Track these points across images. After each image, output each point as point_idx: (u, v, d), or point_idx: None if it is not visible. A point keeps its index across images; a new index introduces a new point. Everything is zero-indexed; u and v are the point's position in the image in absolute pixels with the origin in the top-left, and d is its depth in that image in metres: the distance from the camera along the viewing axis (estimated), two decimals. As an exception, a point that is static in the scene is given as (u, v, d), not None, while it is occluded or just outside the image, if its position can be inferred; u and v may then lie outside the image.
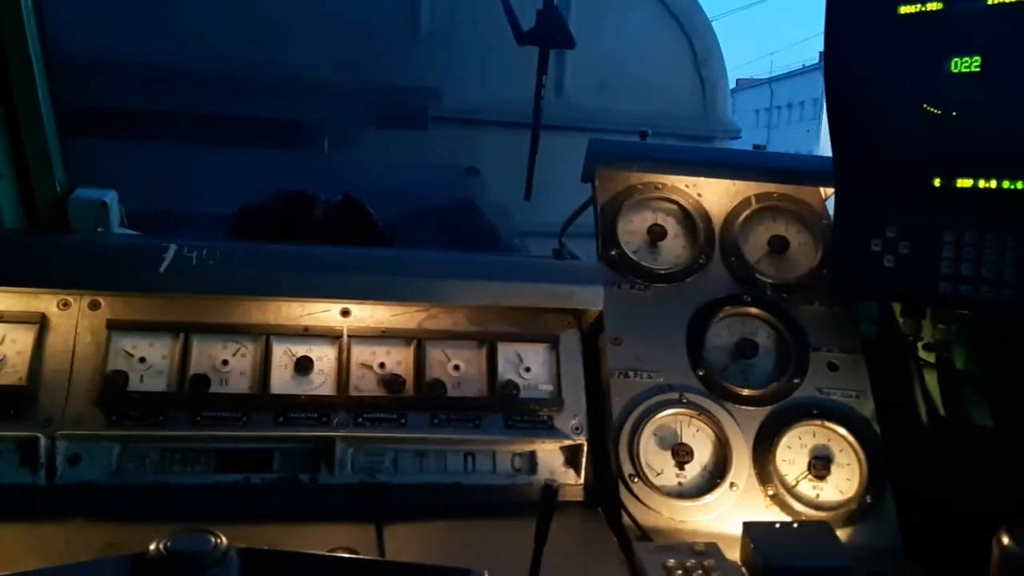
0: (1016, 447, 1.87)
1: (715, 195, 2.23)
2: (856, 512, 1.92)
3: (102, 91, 3.68)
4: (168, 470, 1.85)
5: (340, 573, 1.30)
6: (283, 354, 1.94)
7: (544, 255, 2.31)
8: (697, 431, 1.98)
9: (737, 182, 2.24)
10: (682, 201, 2.21)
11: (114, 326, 1.91)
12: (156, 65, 3.92)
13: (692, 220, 2.19)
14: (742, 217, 2.20)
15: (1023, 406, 1.88)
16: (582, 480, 1.97)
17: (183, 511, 1.73)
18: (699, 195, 2.22)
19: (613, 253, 2.14)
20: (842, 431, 1.98)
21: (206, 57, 4.07)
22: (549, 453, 1.99)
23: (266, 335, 1.94)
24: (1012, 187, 1.73)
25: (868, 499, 1.93)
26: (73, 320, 1.91)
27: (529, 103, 3.54)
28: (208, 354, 1.92)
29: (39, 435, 1.78)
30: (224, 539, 1.28)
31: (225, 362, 1.92)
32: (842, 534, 1.84)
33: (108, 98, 3.75)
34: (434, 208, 3.54)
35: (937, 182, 1.84)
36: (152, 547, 1.26)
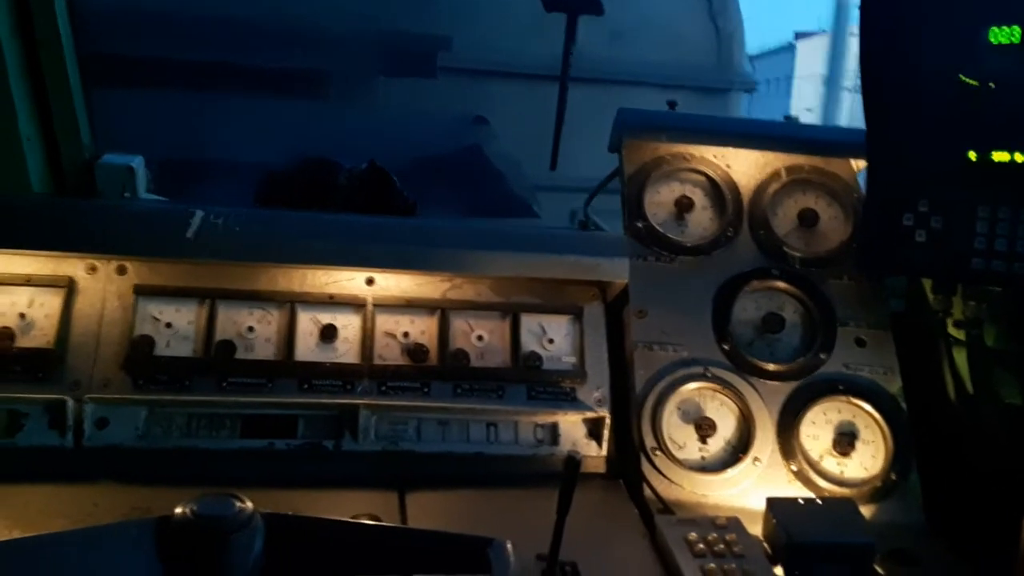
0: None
1: (744, 166, 2.20)
2: (880, 489, 1.90)
3: (118, 41, 3.67)
4: (194, 435, 1.87)
5: (363, 539, 1.31)
6: (308, 321, 1.95)
7: (560, 213, 2.29)
8: (721, 405, 1.97)
9: (767, 153, 2.20)
10: (710, 172, 2.18)
11: (141, 291, 1.92)
12: (170, 13, 3.92)
13: (720, 192, 2.16)
14: (771, 189, 2.17)
15: (1055, 385, 1.86)
16: (604, 452, 1.97)
17: (209, 475, 1.74)
18: (728, 166, 2.19)
19: (639, 225, 2.12)
20: (868, 407, 1.96)
21: (218, 5, 4.05)
22: (571, 425, 1.99)
23: (291, 302, 1.95)
24: (1050, 162, 1.69)
25: (893, 476, 1.91)
26: (101, 285, 1.92)
27: (541, 54, 3.49)
28: (234, 320, 1.93)
29: (67, 398, 1.80)
30: (249, 504, 1.29)
31: (251, 328, 1.93)
32: (866, 511, 1.83)
33: (124, 48, 3.75)
34: (440, 155, 3.51)
35: (972, 155, 1.80)
36: (178, 511, 1.27)
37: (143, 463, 1.81)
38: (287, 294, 1.95)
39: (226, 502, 1.29)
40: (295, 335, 1.92)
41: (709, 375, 1.97)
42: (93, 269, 1.92)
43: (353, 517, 1.62)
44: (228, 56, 4.11)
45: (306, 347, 1.93)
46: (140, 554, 1.28)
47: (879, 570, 1.67)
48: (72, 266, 1.91)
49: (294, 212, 2.09)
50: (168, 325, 1.91)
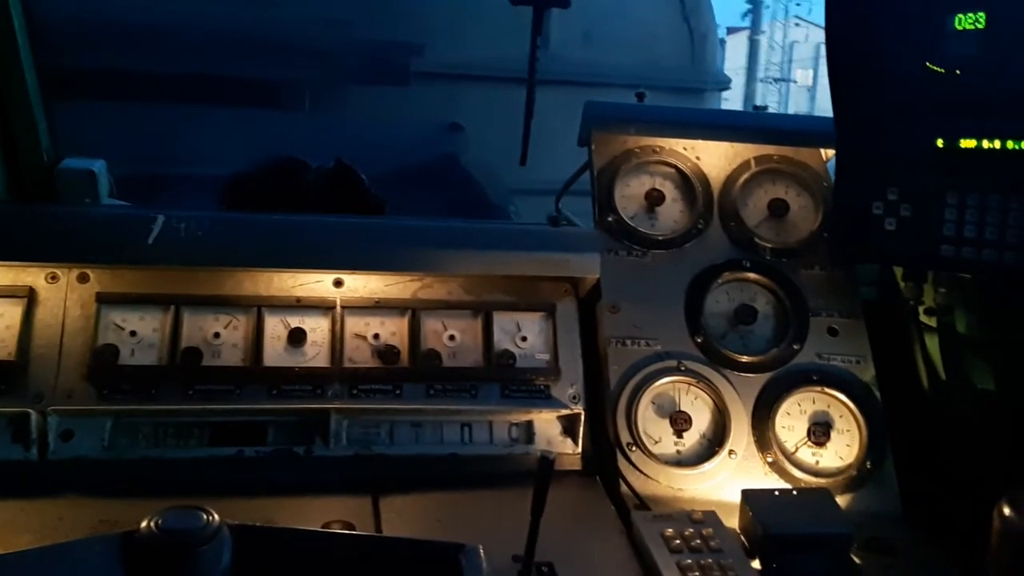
0: (1018, 412, 1.85)
1: (714, 158, 2.19)
2: (856, 478, 1.90)
3: (83, 53, 3.62)
4: (161, 444, 1.84)
5: (333, 548, 1.29)
6: (276, 326, 1.92)
7: (537, 216, 2.27)
8: (695, 399, 1.96)
9: (736, 144, 2.20)
10: (680, 165, 2.17)
11: (103, 299, 1.88)
12: (138, 25, 3.86)
13: (690, 184, 2.15)
14: (741, 180, 2.16)
15: (1025, 371, 1.86)
16: (580, 449, 1.96)
17: (177, 485, 1.70)
18: (698, 158, 2.18)
19: (610, 219, 2.11)
20: (842, 397, 1.96)
21: (187, 16, 4.00)
22: (546, 422, 1.97)
23: (258, 307, 1.92)
24: (1017, 147, 1.69)
25: (868, 465, 1.91)
26: (62, 293, 1.88)
27: (514, 57, 3.45)
28: (199, 327, 1.90)
29: (30, 411, 1.77)
30: (216, 516, 1.27)
31: (217, 335, 1.89)
32: (842, 501, 1.83)
33: (89, 60, 3.69)
34: (417, 165, 3.49)
35: (940, 143, 1.80)
36: (143, 525, 1.24)
37: (110, 475, 1.78)
38: (253, 298, 1.92)
39: (192, 515, 1.26)
40: (263, 340, 1.89)
41: (683, 369, 1.96)
42: (54, 277, 1.88)
43: (326, 524, 1.60)
44: (198, 67, 4.06)
45: (274, 352, 1.90)
46: (106, 571, 1.25)
47: (856, 559, 1.67)
48: (32, 275, 1.87)
49: (258, 215, 2.05)
50: (132, 333, 1.87)
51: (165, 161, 3.36)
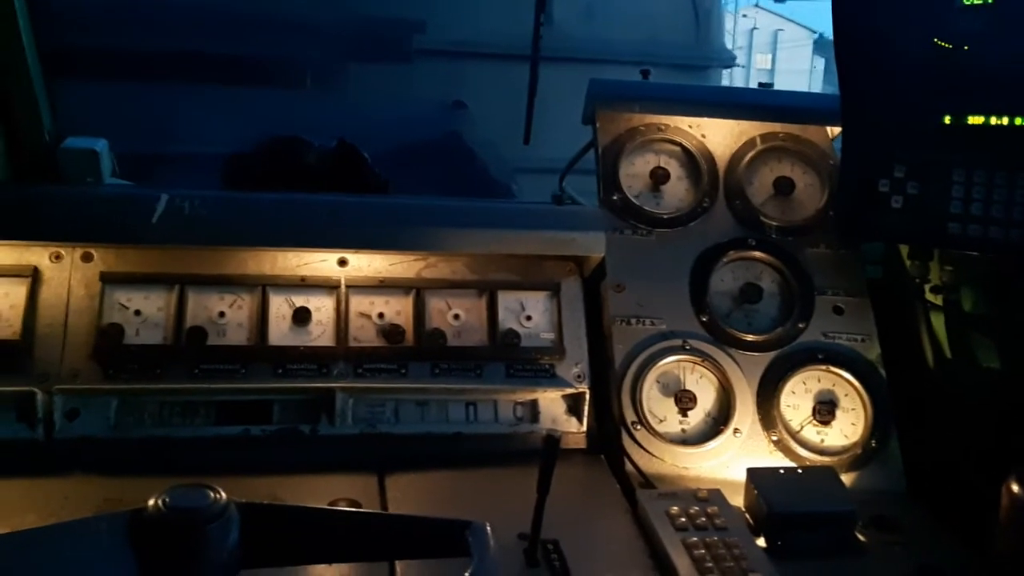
0: (1022, 390, 1.84)
1: (719, 136, 2.17)
2: (861, 457, 1.90)
3: (84, 32, 3.59)
4: (167, 423, 1.84)
5: (339, 526, 1.29)
6: (280, 305, 1.91)
7: (539, 195, 2.26)
8: (700, 377, 1.96)
9: (742, 122, 2.18)
10: (685, 143, 2.15)
11: (108, 279, 1.88)
12: (139, 3, 3.83)
13: (696, 162, 2.14)
14: (747, 158, 2.15)
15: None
16: (584, 428, 1.96)
17: (183, 464, 1.72)
18: (703, 136, 2.17)
19: (615, 198, 2.10)
20: (847, 375, 1.96)
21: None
22: (551, 401, 1.97)
23: (262, 286, 1.91)
24: (1025, 124, 1.68)
25: (873, 444, 1.91)
26: (66, 273, 1.88)
27: (517, 34, 3.42)
28: (204, 306, 1.89)
29: (36, 390, 1.77)
30: (223, 494, 1.26)
31: (222, 314, 1.89)
32: (846, 479, 1.83)
33: (90, 39, 3.67)
34: (420, 143, 3.47)
35: (947, 119, 1.79)
36: (150, 503, 1.24)
37: (115, 454, 1.78)
38: (258, 277, 1.92)
39: (199, 493, 1.26)
40: (267, 319, 1.89)
41: (688, 347, 1.96)
42: (58, 257, 1.88)
43: (332, 502, 1.60)
44: (198, 45, 4.03)
45: (279, 331, 1.90)
46: (113, 549, 1.25)
47: (860, 537, 1.68)
48: (36, 255, 1.87)
49: (262, 194, 2.05)
50: (137, 312, 1.87)
51: (166, 140, 3.35)
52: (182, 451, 1.81)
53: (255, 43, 4.08)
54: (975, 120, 1.76)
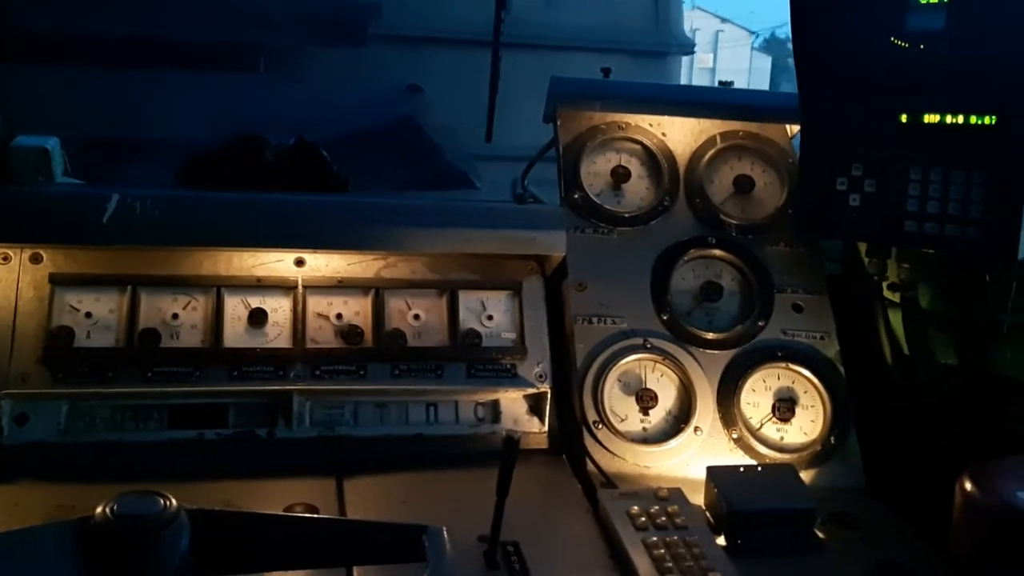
0: (979, 387, 1.86)
1: (680, 134, 2.18)
2: (820, 454, 1.91)
3: (30, 16, 3.51)
4: (119, 428, 1.80)
5: (294, 532, 1.27)
6: (236, 306, 1.88)
7: (499, 183, 2.24)
8: (662, 376, 1.96)
9: (702, 120, 2.18)
10: (646, 141, 2.15)
11: (57, 280, 1.83)
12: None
13: (656, 161, 2.14)
14: (707, 157, 2.15)
15: (987, 345, 1.88)
16: (546, 428, 1.95)
17: (136, 469, 1.68)
18: (663, 134, 2.17)
19: (576, 196, 2.09)
20: (806, 373, 1.97)
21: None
22: (512, 401, 1.96)
23: (217, 287, 1.88)
24: (979, 122, 1.70)
25: (832, 440, 1.92)
26: (14, 274, 1.83)
27: (475, 19, 3.39)
28: (157, 307, 1.86)
29: (-18, 395, 1.72)
30: (174, 500, 1.23)
31: (175, 316, 1.85)
32: (806, 476, 1.84)
33: (39, 21, 3.58)
34: (375, 127, 3.42)
35: (904, 118, 1.80)
36: (98, 511, 1.21)
37: (66, 459, 1.74)
38: (213, 278, 1.88)
39: (149, 500, 1.23)
40: (223, 321, 1.86)
41: (649, 346, 1.96)
42: (5, 258, 1.83)
43: (288, 507, 1.58)
44: (150, 29, 3.94)
45: (234, 333, 1.86)
46: (59, 559, 1.21)
47: (820, 534, 1.68)
48: (-17, 256, 1.82)
49: (216, 193, 2.01)
50: (88, 315, 1.83)
51: (116, 127, 3.26)
52: (134, 456, 1.77)
53: (207, 27, 4.00)
54: (931, 119, 1.77)
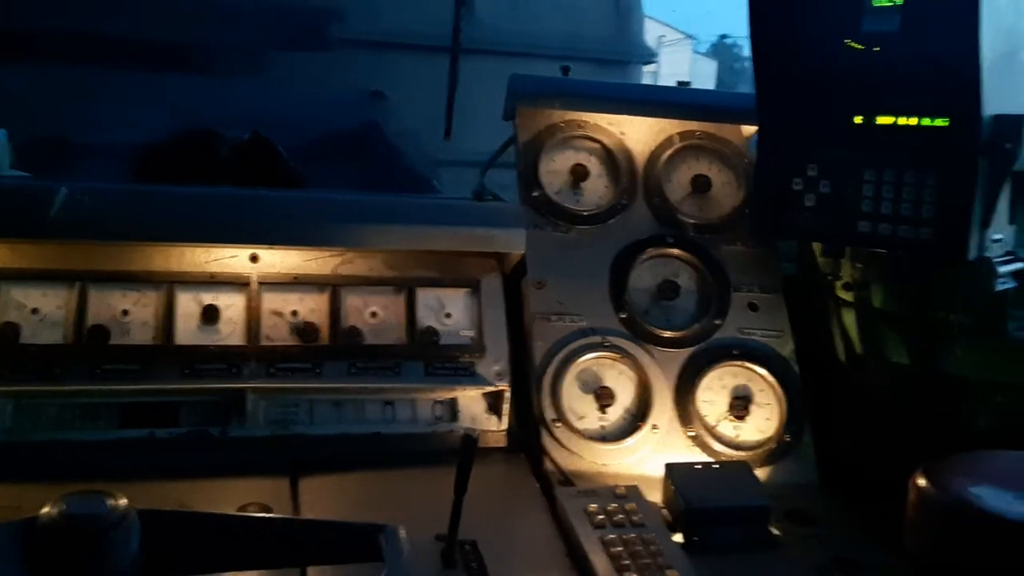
0: (931, 385, 1.90)
1: (638, 133, 2.18)
2: (775, 451, 1.93)
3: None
4: (67, 427, 1.75)
5: (247, 533, 1.25)
6: (188, 303, 1.84)
7: (461, 188, 2.24)
8: (620, 374, 1.96)
9: (660, 120, 2.19)
10: (605, 140, 2.16)
11: (3, 275, 1.78)
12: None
13: (615, 160, 2.14)
14: (665, 156, 2.16)
15: (938, 345, 1.91)
16: (504, 426, 1.94)
17: (84, 469, 1.63)
18: (622, 133, 2.17)
19: (535, 195, 2.09)
20: (762, 371, 1.98)
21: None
22: (471, 400, 1.95)
23: (169, 283, 1.84)
24: (931, 124, 1.72)
25: (787, 438, 1.94)
26: None
27: (439, 25, 3.38)
28: (107, 304, 1.81)
29: (-77, 394, 1.67)
30: (123, 500, 1.21)
31: (125, 312, 1.81)
32: (761, 473, 1.86)
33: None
34: (338, 132, 3.40)
35: (858, 119, 1.82)
36: (44, 511, 1.18)
37: (12, 459, 1.68)
38: (164, 274, 1.85)
39: (97, 499, 1.20)
40: (174, 317, 1.82)
41: (607, 344, 1.96)
42: (-52, 253, 1.78)
43: (242, 507, 1.55)
44: (104, 27, 3.87)
45: (187, 330, 1.83)
46: (6, 560, 1.18)
47: (775, 531, 1.70)
48: (-76, 250, 1.76)
49: (168, 187, 1.97)
50: (34, 311, 1.78)
51: (69, 127, 3.20)
52: (83, 456, 1.72)
53: (169, 27, 3.94)
54: (885, 120, 1.79)
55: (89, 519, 1.17)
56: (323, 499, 1.66)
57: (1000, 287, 1.73)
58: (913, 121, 1.74)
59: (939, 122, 1.71)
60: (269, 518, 1.44)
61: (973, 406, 1.86)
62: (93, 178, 2.22)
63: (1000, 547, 1.36)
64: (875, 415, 1.99)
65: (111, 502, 1.19)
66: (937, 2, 1.68)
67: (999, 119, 1.65)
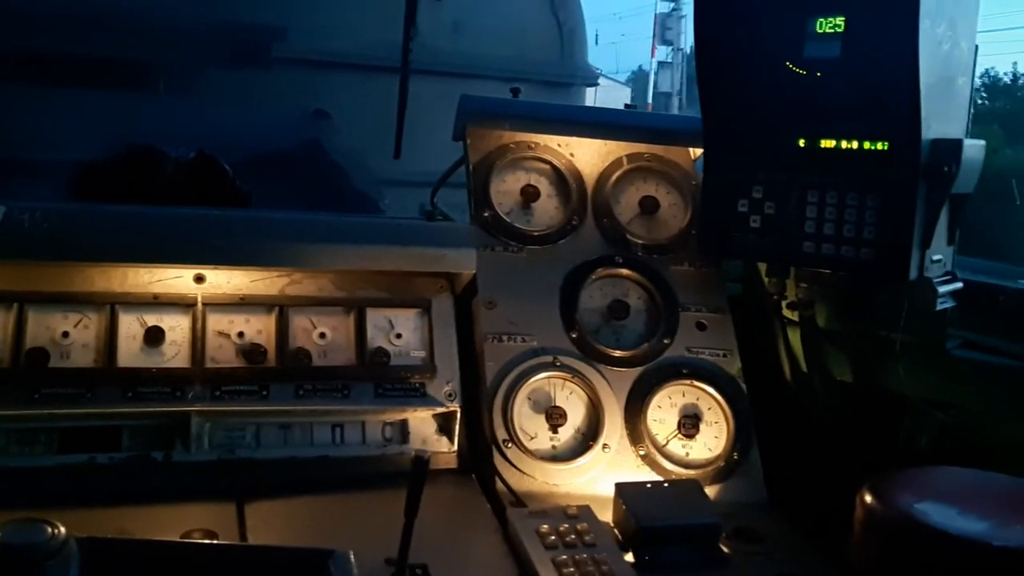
0: (874, 403, 1.93)
1: (587, 155, 2.20)
2: (724, 469, 1.95)
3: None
4: (3, 452, 1.70)
5: (191, 560, 1.21)
6: (131, 324, 1.80)
7: (408, 208, 2.23)
8: (571, 394, 1.96)
9: (609, 142, 2.22)
10: (555, 161, 2.17)
11: None
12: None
13: (565, 181, 2.16)
14: (614, 178, 2.18)
15: (880, 363, 1.95)
16: (456, 447, 1.93)
17: (21, 497, 1.57)
18: (572, 155, 2.19)
19: (486, 215, 2.09)
20: (710, 390, 2.00)
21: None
22: (421, 421, 1.93)
23: (111, 304, 1.80)
24: (873, 147, 1.77)
25: (735, 456, 1.96)
26: None
27: (382, 44, 3.38)
28: (46, 325, 1.77)
29: None
30: (62, 529, 1.17)
31: (66, 334, 1.77)
32: (711, 491, 1.87)
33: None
34: (279, 151, 3.37)
35: (802, 142, 1.87)
36: (-22, 541, 1.14)
37: (-56, 487, 1.63)
38: (106, 295, 1.80)
39: (34, 528, 1.16)
40: (116, 339, 1.78)
41: (558, 364, 1.96)
42: None
43: (186, 533, 1.52)
44: (41, 44, 3.78)
45: (129, 352, 1.79)
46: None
47: (724, 549, 1.71)
48: None
49: (110, 206, 1.93)
50: (-31, 333, 1.72)
51: (12, 145, 3.11)
52: (20, 482, 1.67)
53: (104, 43, 3.85)
54: (827, 143, 1.84)
55: (26, 549, 1.13)
56: (270, 524, 1.63)
57: (940, 306, 1.78)
58: (855, 145, 1.79)
59: (880, 146, 1.76)
60: (214, 544, 1.41)
61: (915, 423, 1.90)
62: (32, 197, 2.16)
63: (945, 563, 1.38)
64: (821, 432, 2.03)
65: (49, 530, 1.16)
66: (876, 30, 1.73)
67: (937, 143, 1.71)
